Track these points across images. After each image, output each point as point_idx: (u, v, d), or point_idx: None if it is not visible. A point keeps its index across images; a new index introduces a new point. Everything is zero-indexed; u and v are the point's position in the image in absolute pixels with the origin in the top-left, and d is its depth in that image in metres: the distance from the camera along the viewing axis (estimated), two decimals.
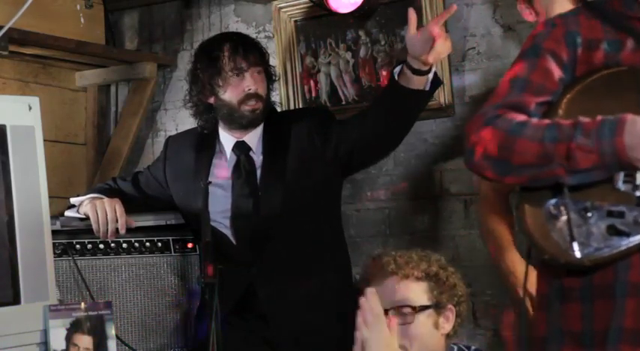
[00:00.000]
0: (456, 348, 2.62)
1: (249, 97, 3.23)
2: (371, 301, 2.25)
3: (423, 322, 2.53)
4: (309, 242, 3.22)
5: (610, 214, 1.98)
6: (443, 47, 2.96)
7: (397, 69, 3.09)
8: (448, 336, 2.57)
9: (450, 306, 2.56)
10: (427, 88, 3.09)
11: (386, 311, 2.45)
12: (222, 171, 3.31)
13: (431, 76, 3.07)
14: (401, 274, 2.55)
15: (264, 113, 3.29)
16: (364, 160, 3.35)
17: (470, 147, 2.10)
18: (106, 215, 3.16)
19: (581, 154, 1.98)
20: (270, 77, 3.33)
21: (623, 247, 1.97)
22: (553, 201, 2.02)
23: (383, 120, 3.15)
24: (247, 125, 3.28)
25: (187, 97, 3.35)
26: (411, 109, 3.15)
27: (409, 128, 3.22)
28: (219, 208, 3.22)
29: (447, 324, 2.56)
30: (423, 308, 2.53)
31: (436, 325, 2.55)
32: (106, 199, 3.21)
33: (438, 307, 2.55)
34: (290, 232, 3.20)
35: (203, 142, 3.37)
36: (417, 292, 2.55)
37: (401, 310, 2.52)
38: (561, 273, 2.08)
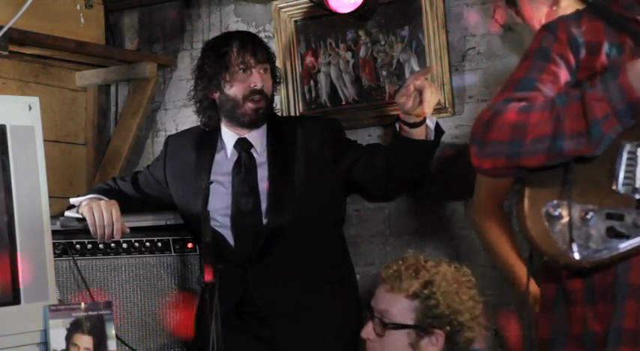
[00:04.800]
0: None
1: (254, 92, 3.23)
2: None
3: (395, 339, 2.51)
4: (312, 250, 3.22)
5: (609, 216, 1.98)
6: (432, 95, 3.03)
7: (397, 124, 3.15)
8: None
9: (438, 331, 2.49)
10: (431, 138, 3.14)
11: (372, 314, 2.51)
12: (223, 168, 3.31)
13: (431, 124, 3.13)
14: (390, 286, 2.54)
15: (267, 114, 3.29)
16: (374, 193, 3.34)
17: (479, 138, 2.08)
18: (103, 218, 3.16)
19: (595, 102, 1.98)
20: (275, 78, 3.34)
21: (622, 250, 1.98)
22: (553, 202, 2.02)
23: (392, 169, 3.18)
24: (248, 124, 3.28)
25: (192, 93, 3.37)
26: (419, 160, 3.17)
27: (417, 176, 3.24)
28: (220, 205, 3.23)
29: (432, 347, 2.51)
30: (399, 326, 2.50)
31: (415, 346, 2.50)
32: (103, 202, 3.21)
33: (420, 329, 2.50)
34: (294, 241, 3.20)
35: (204, 141, 3.38)
36: (399, 309, 2.52)
37: (379, 320, 2.53)
38: (564, 275, 2.08)
